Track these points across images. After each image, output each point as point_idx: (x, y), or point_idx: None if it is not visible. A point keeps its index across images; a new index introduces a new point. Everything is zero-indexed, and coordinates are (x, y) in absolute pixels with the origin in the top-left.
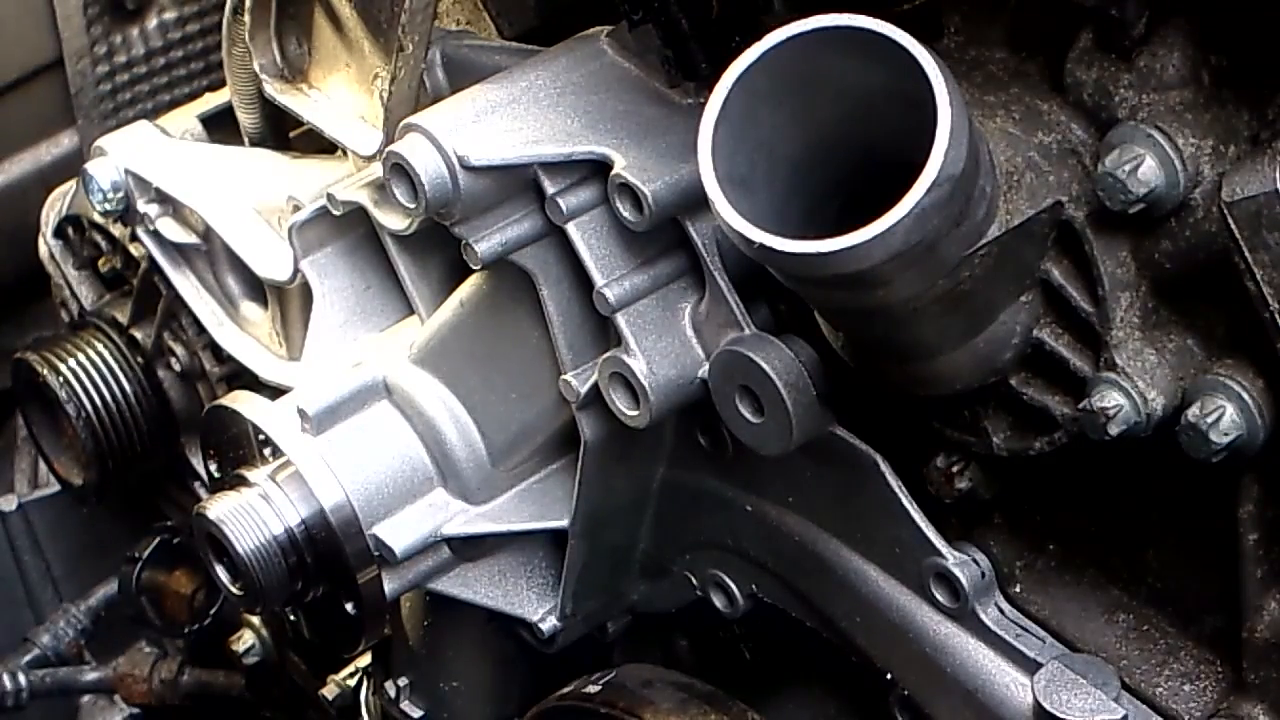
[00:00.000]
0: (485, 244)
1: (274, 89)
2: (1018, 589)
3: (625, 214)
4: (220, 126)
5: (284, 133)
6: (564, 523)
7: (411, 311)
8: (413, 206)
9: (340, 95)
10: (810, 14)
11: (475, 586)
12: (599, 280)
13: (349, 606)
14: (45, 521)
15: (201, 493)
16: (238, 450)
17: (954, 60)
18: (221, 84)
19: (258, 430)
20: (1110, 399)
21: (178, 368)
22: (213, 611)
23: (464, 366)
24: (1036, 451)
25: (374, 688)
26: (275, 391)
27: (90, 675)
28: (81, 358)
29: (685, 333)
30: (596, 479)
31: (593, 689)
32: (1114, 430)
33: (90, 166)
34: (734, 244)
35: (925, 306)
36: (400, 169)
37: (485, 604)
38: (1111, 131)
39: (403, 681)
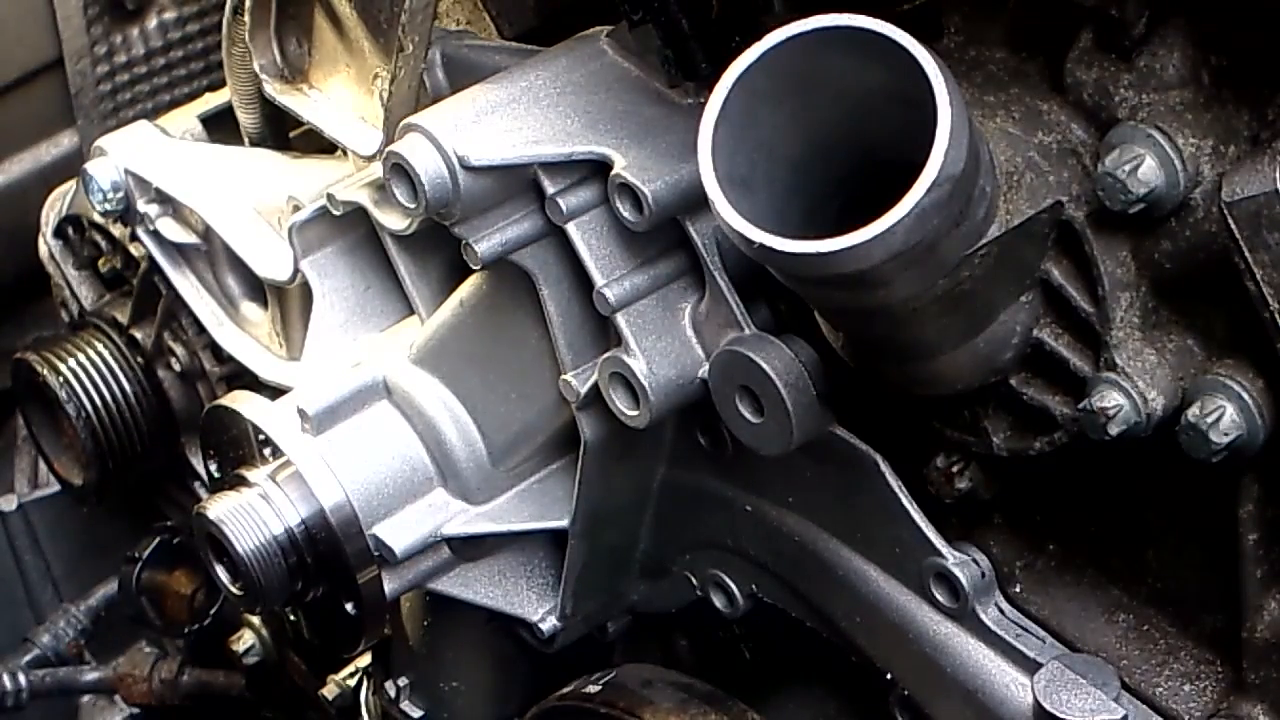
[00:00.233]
0: (485, 244)
1: (274, 89)
2: (1018, 589)
3: (625, 214)
4: (220, 126)
5: (284, 133)
6: (564, 523)
7: (411, 311)
8: (413, 206)
9: (340, 95)
10: (810, 14)
11: (475, 586)
12: (599, 280)
13: (349, 606)
14: (45, 521)
15: (201, 493)
16: (238, 450)
17: (954, 60)
18: (221, 84)
19: (258, 430)
20: (1110, 399)
21: (178, 368)
22: (213, 611)
23: (464, 366)
24: (1036, 451)
25: (374, 688)
26: (275, 391)
27: (90, 675)
28: (81, 358)
29: (685, 333)
30: (596, 479)
31: (593, 689)
32: (1114, 430)
33: (90, 166)
34: (734, 244)
35: (925, 306)
36: (400, 169)
37: (485, 604)
38: (1111, 131)
39: (403, 681)
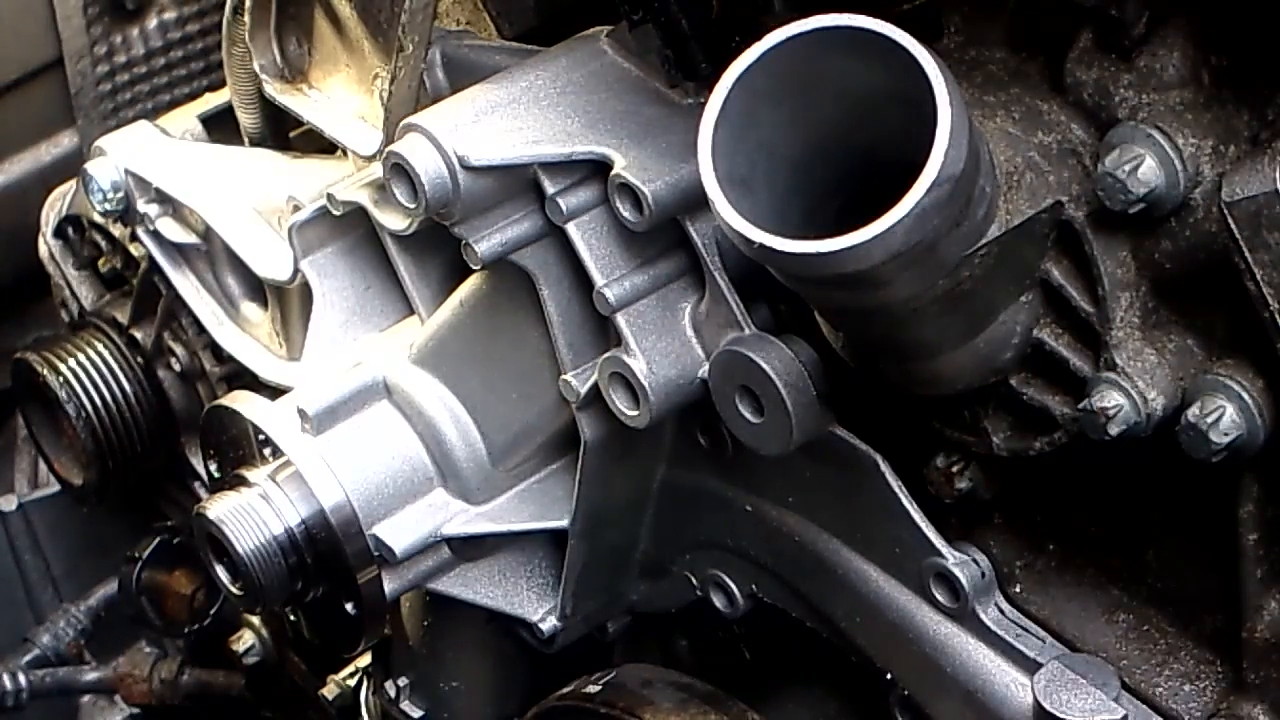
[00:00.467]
0: (485, 244)
1: (274, 89)
2: (1018, 589)
3: (625, 214)
4: (220, 126)
5: (284, 133)
6: (564, 523)
7: (411, 311)
8: (413, 206)
9: (340, 95)
10: (810, 14)
11: (475, 586)
12: (599, 280)
13: (349, 606)
14: (45, 521)
15: (201, 493)
16: (238, 450)
17: (954, 60)
18: (221, 84)
19: (258, 430)
20: (1110, 399)
21: (178, 368)
22: (213, 611)
23: (464, 366)
24: (1036, 451)
25: (374, 688)
26: (275, 391)
27: (90, 675)
28: (81, 358)
29: (685, 333)
30: (596, 479)
31: (593, 689)
32: (1114, 430)
33: (90, 166)
34: (734, 244)
35: (925, 306)
36: (400, 169)
37: (485, 604)
38: (1111, 131)
39: (403, 681)
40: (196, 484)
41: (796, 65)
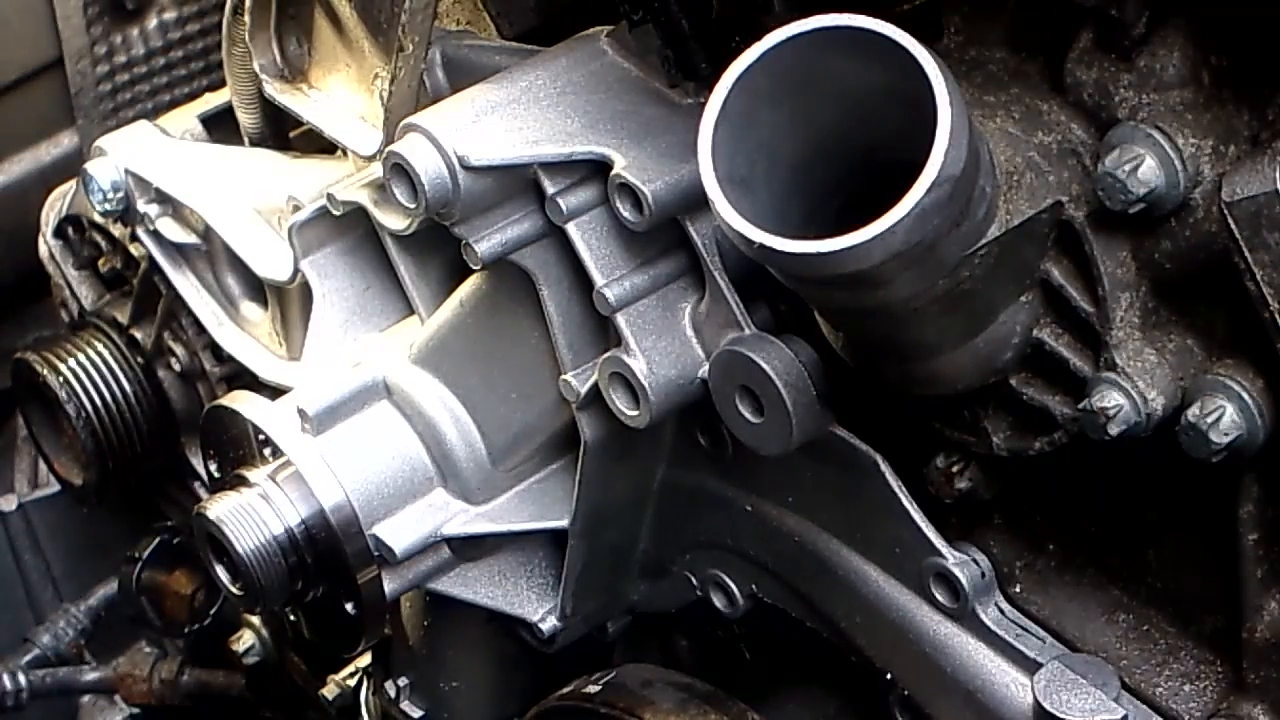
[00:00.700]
0: (485, 244)
1: (274, 89)
2: (1018, 589)
3: (625, 214)
4: (220, 126)
5: (284, 133)
6: (564, 523)
7: (411, 311)
8: (413, 206)
9: (340, 95)
10: (810, 14)
11: (475, 586)
12: (599, 280)
13: (349, 606)
14: (45, 521)
15: (201, 493)
16: (238, 450)
17: (954, 60)
18: (221, 84)
19: (258, 430)
20: (1110, 399)
21: (178, 368)
22: (213, 611)
23: (464, 366)
24: (1036, 451)
25: (374, 688)
26: (275, 391)
27: (90, 675)
28: (81, 358)
29: (685, 333)
30: (596, 479)
31: (593, 689)
32: (1114, 430)
33: (90, 166)
34: (734, 244)
35: (925, 306)
36: (400, 169)
37: (485, 604)
38: (1111, 131)
39: (403, 681)
40: (196, 484)
41: (796, 65)
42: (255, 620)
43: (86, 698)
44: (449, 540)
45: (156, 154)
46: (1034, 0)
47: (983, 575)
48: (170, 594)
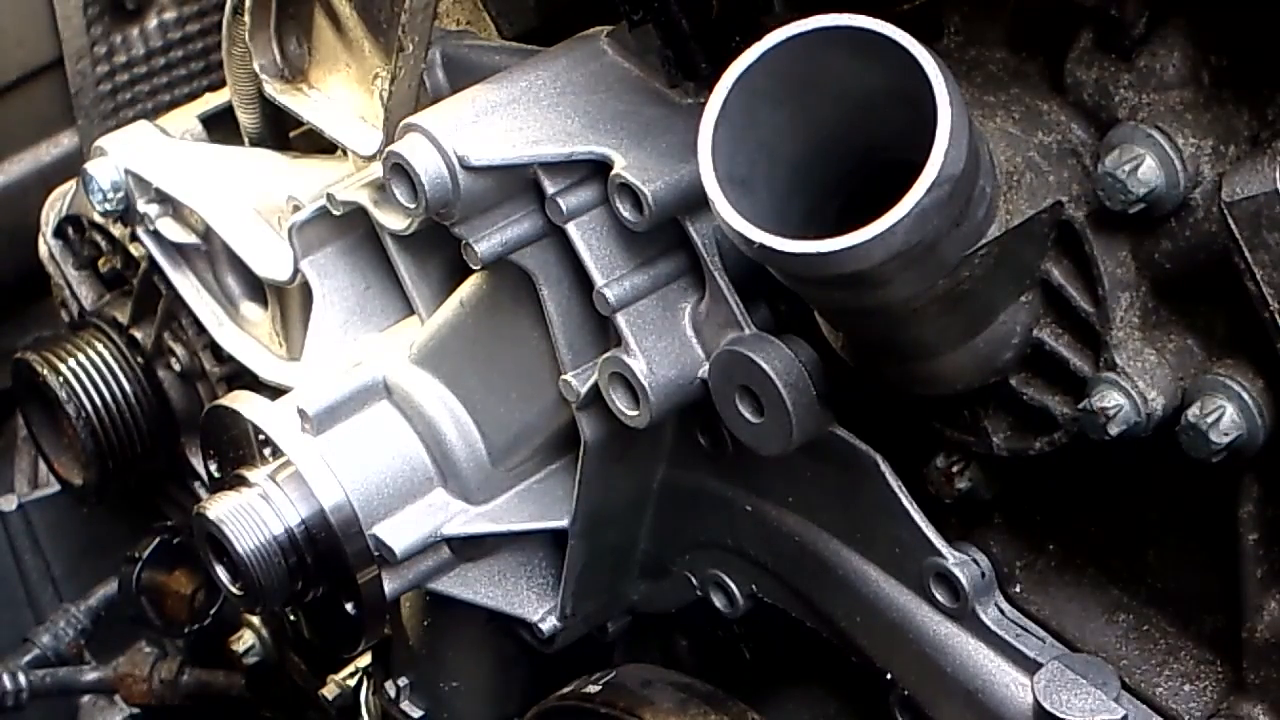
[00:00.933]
0: (485, 244)
1: (274, 89)
2: (1018, 589)
3: (625, 214)
4: (220, 126)
5: (284, 133)
6: (564, 523)
7: (411, 311)
8: (413, 206)
9: (340, 95)
10: (810, 14)
11: (475, 586)
12: (599, 280)
13: (349, 606)
14: (45, 521)
15: (201, 493)
16: (238, 450)
17: (954, 60)
18: (221, 84)
19: (258, 430)
20: (1110, 399)
21: (178, 368)
22: (213, 611)
23: (464, 366)
24: (1036, 451)
25: (374, 688)
26: (275, 391)
27: (90, 675)
28: (81, 358)
29: (685, 333)
30: (596, 479)
31: (593, 689)
32: (1114, 430)
33: (90, 166)
34: (734, 244)
35: (925, 306)
36: (400, 169)
37: (485, 604)
38: (1111, 131)
39: (403, 681)
40: (196, 484)
41: (796, 65)
42: (255, 620)
43: (86, 698)
44: (449, 540)
45: (156, 154)
46: (1034, 0)
47: (983, 575)
48: (170, 594)
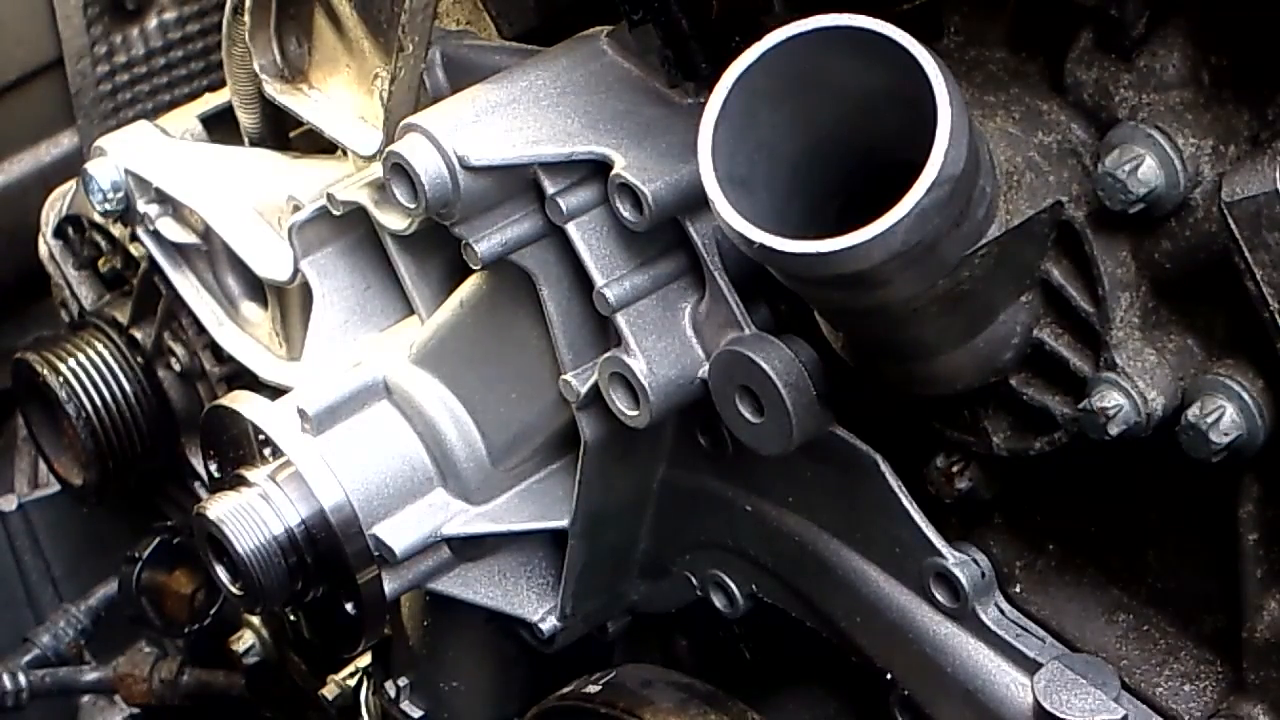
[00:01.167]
0: (485, 244)
1: (274, 89)
2: (1018, 589)
3: (625, 214)
4: (220, 126)
5: (284, 133)
6: (564, 523)
7: (411, 311)
8: (413, 206)
9: (340, 95)
10: (810, 14)
11: (475, 586)
12: (599, 280)
13: (349, 606)
14: (45, 521)
15: (201, 493)
16: (238, 450)
17: (954, 60)
18: (221, 84)
19: (258, 430)
20: (1110, 399)
21: (178, 368)
22: (213, 611)
23: (464, 367)
24: (1036, 451)
25: (374, 688)
26: (275, 391)
27: (90, 675)
28: (81, 358)
29: (685, 333)
30: (596, 479)
31: (593, 689)
32: (1114, 430)
33: (90, 166)
34: (734, 244)
35: (925, 306)
36: (400, 169)
37: (485, 604)
38: (1111, 131)
39: (403, 681)
40: (196, 484)
41: (796, 65)
42: (255, 620)
43: (86, 698)
44: (449, 540)
45: (156, 154)
46: (1034, 0)
47: (983, 575)
48: (170, 594)
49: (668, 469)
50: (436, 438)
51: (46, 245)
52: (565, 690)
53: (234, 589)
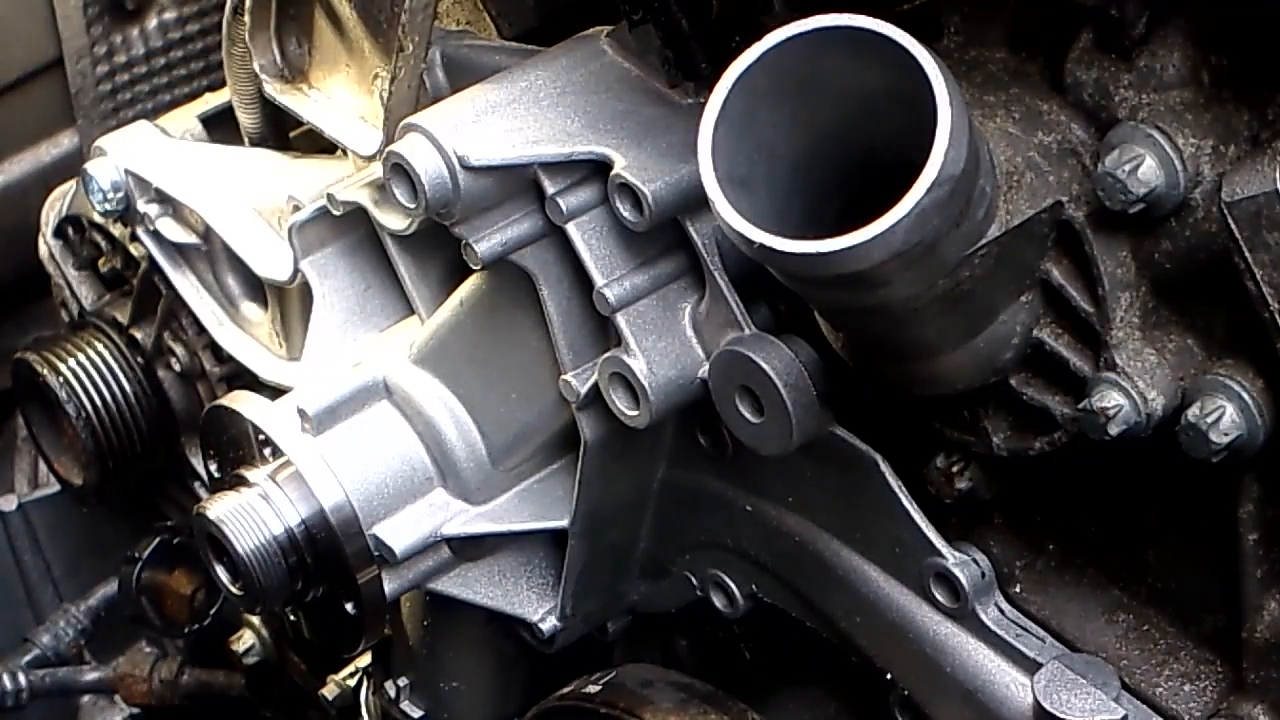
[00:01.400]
0: (485, 244)
1: (274, 89)
2: (1018, 589)
3: (625, 214)
4: (220, 126)
5: (284, 133)
6: (564, 523)
7: (411, 311)
8: (413, 206)
9: (340, 95)
10: (810, 14)
11: (475, 586)
12: (599, 280)
13: (349, 606)
14: (45, 521)
15: (201, 493)
16: (238, 450)
17: (954, 60)
18: (221, 84)
19: (258, 430)
20: (1110, 399)
21: (178, 368)
22: (213, 611)
23: (464, 367)
24: (1036, 451)
25: (374, 688)
26: (275, 391)
27: (90, 675)
28: (81, 358)
29: (685, 333)
30: (596, 479)
31: (593, 689)
32: (1114, 430)
33: (90, 166)
34: (734, 244)
35: (925, 306)
36: (400, 169)
37: (485, 604)
38: (1111, 131)
39: (403, 681)
40: (196, 484)
41: (796, 65)
42: (255, 620)
43: (86, 698)
44: (449, 540)
45: (156, 154)
46: (1034, 0)
47: (983, 575)
48: (170, 594)
49: (668, 469)
50: (436, 438)
51: (46, 245)
52: (565, 690)
53: (234, 589)
